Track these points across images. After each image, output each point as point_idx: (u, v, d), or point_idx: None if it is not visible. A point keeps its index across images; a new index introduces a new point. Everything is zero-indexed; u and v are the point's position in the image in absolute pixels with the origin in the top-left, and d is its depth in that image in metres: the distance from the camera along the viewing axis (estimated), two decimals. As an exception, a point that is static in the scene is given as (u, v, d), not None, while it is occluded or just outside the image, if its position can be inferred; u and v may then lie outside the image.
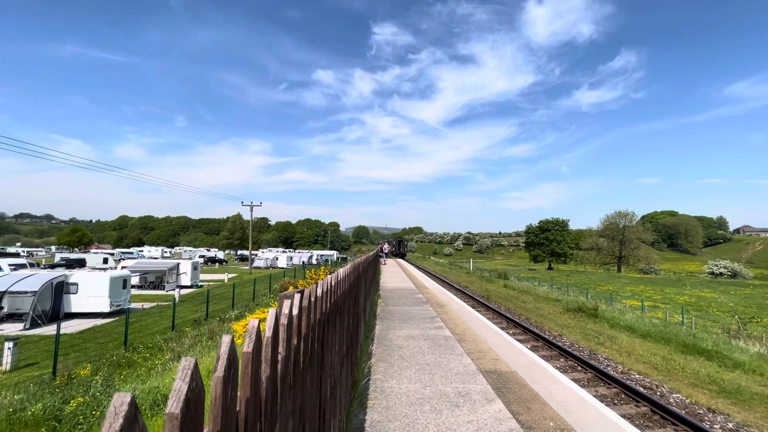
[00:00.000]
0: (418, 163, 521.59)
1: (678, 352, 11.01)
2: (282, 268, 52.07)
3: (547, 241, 73.72)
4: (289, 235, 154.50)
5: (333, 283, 2.63)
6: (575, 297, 22.87)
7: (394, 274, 24.16)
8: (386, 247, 45.90)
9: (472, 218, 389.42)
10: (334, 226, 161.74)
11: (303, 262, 55.81)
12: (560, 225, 74.59)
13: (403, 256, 59.09)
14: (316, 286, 2.01)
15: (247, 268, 48.11)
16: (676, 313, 21.01)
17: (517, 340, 11.21)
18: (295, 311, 1.44)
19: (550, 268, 73.37)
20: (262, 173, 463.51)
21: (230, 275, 39.38)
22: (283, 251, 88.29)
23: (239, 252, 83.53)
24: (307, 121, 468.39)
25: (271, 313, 1.17)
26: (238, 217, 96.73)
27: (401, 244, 60.27)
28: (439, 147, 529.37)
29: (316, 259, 64.21)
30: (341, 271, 3.37)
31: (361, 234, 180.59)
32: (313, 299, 1.82)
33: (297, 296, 1.55)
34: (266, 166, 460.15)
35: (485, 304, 17.75)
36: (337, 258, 70.74)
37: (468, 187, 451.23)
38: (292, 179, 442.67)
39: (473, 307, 15.84)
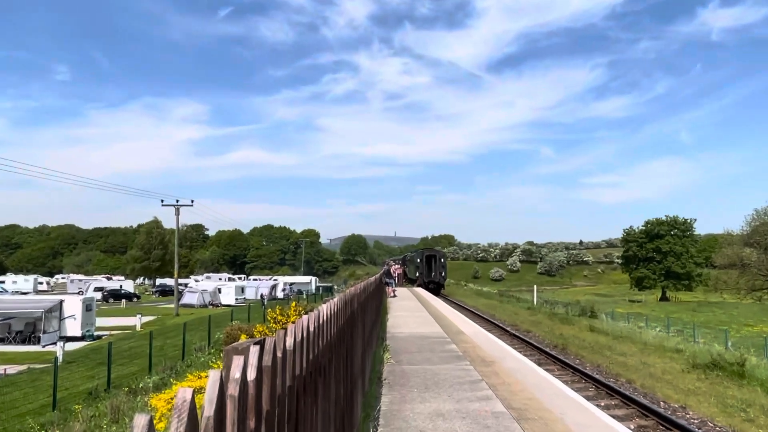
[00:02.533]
0: (444, 130, 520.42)
1: None
2: (228, 305, 52.43)
3: (660, 255, 73.82)
4: (239, 253, 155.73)
5: (312, 328, 2.62)
6: (706, 345, 22.94)
7: (408, 311, 24.20)
8: (396, 269, 45.75)
9: (534, 219, 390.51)
10: (312, 235, 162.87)
11: (262, 296, 56.17)
12: (680, 228, 74.47)
13: (438, 289, 49.46)
14: (285, 334, 2.00)
15: (173, 306, 48.40)
16: None
17: (614, 417, 11.15)
18: (251, 374, 1.42)
19: (664, 297, 73.25)
20: (193, 153, 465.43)
21: (146, 319, 39.64)
22: (230, 278, 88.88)
23: (159, 281, 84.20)
24: (266, 67, 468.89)
25: (212, 377, 1.15)
26: (157, 224, 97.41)
27: (433, 263, 50.07)
28: (478, 105, 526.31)
29: (284, 290, 64.47)
30: (324, 309, 3.36)
31: (355, 247, 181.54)
32: (280, 354, 1.80)
33: (254, 350, 1.53)
34: (200, 141, 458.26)
35: (559, 359, 18.02)
36: (318, 288, 71.01)
37: (527, 169, 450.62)
38: (241, 162, 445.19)
39: (540, 364, 15.86)
